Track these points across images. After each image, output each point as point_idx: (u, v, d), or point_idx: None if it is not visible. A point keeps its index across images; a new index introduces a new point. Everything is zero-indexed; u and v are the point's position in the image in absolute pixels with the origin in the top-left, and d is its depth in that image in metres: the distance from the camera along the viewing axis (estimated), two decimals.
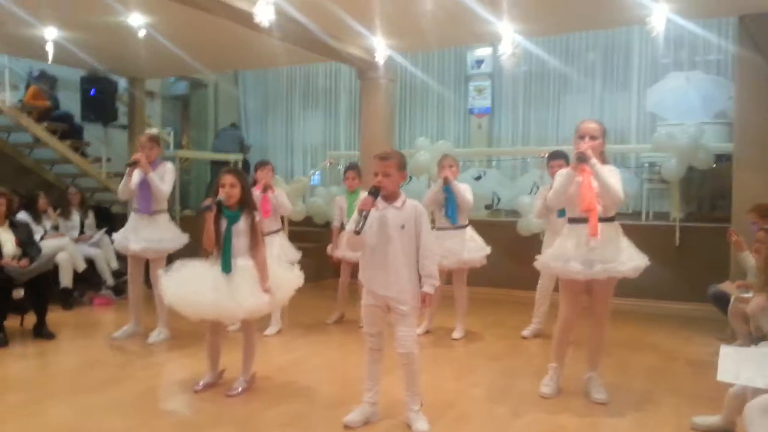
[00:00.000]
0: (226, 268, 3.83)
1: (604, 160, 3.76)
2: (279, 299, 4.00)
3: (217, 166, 10.14)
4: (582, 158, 3.59)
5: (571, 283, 3.79)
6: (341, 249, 5.96)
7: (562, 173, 3.76)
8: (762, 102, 5.93)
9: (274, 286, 3.89)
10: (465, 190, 5.32)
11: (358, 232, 3.18)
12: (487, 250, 5.48)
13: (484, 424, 3.55)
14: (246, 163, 9.93)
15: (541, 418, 3.62)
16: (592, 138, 3.70)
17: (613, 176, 3.64)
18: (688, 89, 7.76)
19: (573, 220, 3.76)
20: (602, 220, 3.64)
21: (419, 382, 3.42)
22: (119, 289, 7.11)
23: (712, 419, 3.35)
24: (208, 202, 3.89)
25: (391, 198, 3.30)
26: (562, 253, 3.76)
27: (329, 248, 6.11)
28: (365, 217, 3.19)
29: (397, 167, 3.27)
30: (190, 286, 3.84)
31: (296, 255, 5.64)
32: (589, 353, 3.98)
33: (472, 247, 5.39)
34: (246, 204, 3.95)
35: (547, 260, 3.91)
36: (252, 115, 12.11)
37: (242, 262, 3.87)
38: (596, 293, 3.82)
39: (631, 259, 3.69)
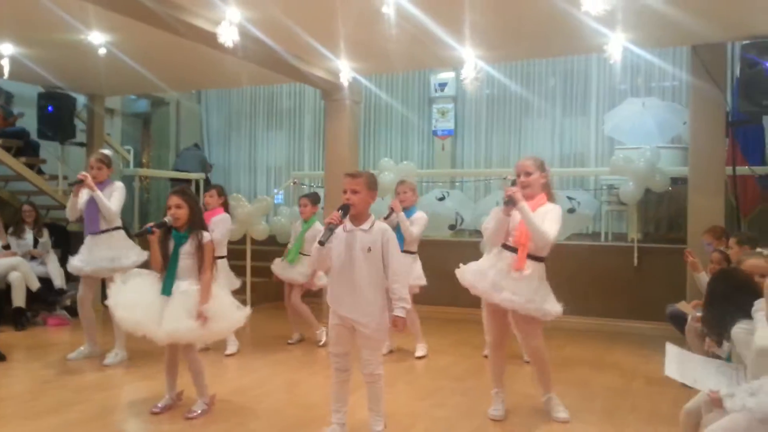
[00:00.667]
0: (166, 291, 3.78)
1: (548, 191, 3.82)
2: (214, 330, 3.86)
3: (178, 185, 10.03)
4: (509, 202, 3.64)
5: (490, 305, 3.83)
6: (276, 266, 5.99)
7: (493, 215, 3.83)
8: (715, 127, 6.13)
9: (216, 316, 3.79)
10: (413, 221, 5.32)
11: (322, 243, 3.17)
12: (421, 282, 5.44)
13: None
14: (208, 182, 9.81)
15: None
16: (527, 174, 3.77)
17: (549, 215, 3.67)
18: (644, 114, 7.98)
19: (505, 246, 3.79)
20: (531, 256, 3.68)
21: (383, 402, 3.39)
22: (74, 310, 6.93)
23: None
24: (149, 225, 3.87)
25: (359, 220, 3.29)
26: (481, 270, 3.79)
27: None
28: (331, 230, 3.18)
29: (366, 186, 3.26)
30: (128, 299, 3.81)
31: (236, 283, 5.50)
32: (537, 379, 4.02)
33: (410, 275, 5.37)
34: (195, 224, 3.89)
35: (464, 271, 3.88)
36: (215, 134, 12.00)
37: (186, 287, 3.80)
38: (516, 324, 3.81)
39: (544, 301, 3.70)
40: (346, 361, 3.37)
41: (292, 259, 5.88)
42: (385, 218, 5.38)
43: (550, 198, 3.83)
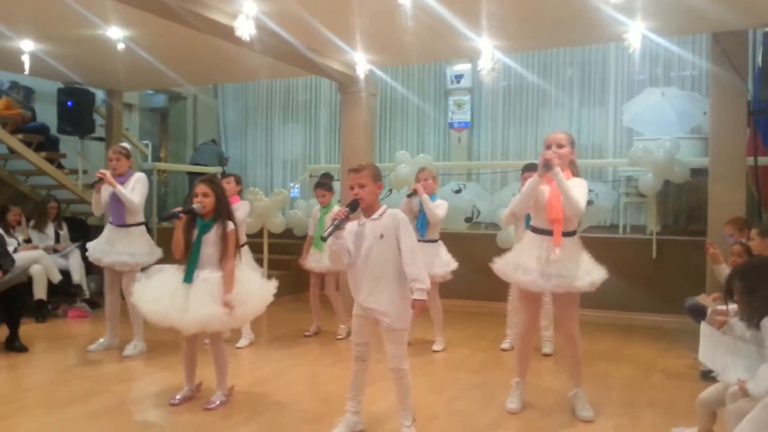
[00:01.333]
0: (188, 278, 3.80)
1: (574, 169, 3.78)
2: (242, 315, 3.91)
3: (195, 178, 10.11)
4: (546, 165, 3.58)
5: (528, 295, 3.81)
6: (309, 260, 5.99)
7: (530, 181, 3.76)
8: (735, 117, 6.04)
9: (240, 302, 3.82)
10: (437, 206, 5.32)
11: (324, 239, 3.18)
12: (452, 266, 5.47)
13: None
14: (224, 175, 9.88)
15: (522, 430, 3.62)
16: (559, 146, 3.71)
17: (578, 188, 3.63)
18: (663, 105, 7.88)
19: (535, 230, 3.75)
20: (564, 234, 3.64)
21: (411, 397, 3.37)
22: (94, 302, 7.02)
23: (690, 431, 3.37)
24: (177, 210, 3.90)
25: (369, 211, 3.29)
26: (520, 263, 3.73)
27: (302, 257, 6.10)
28: (336, 226, 3.16)
29: (371, 177, 3.25)
30: (153, 292, 3.84)
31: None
32: (568, 370, 3.97)
33: (436, 263, 5.38)
34: (220, 214, 3.92)
35: (503, 267, 3.83)
36: (231, 128, 12.06)
37: (207, 274, 3.83)
38: (559, 306, 3.81)
39: (588, 274, 3.68)
40: (366, 350, 3.38)
41: (320, 245, 5.83)
42: (408, 196, 5.37)
43: (576, 175, 3.79)
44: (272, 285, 4.05)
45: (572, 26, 5.70)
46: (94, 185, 5.12)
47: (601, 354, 5.38)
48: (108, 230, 5.22)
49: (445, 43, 6.10)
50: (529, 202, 3.73)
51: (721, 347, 2.90)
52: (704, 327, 2.98)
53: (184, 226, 3.88)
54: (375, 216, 3.27)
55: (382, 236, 3.23)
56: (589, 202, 6.99)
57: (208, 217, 3.90)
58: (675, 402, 4.10)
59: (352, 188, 3.26)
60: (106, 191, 5.10)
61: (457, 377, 4.74)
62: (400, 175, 7.79)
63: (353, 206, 3.22)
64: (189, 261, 3.84)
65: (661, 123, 7.74)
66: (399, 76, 10.23)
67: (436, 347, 5.52)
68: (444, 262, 5.46)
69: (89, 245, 5.30)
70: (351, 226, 3.28)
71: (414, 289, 3.18)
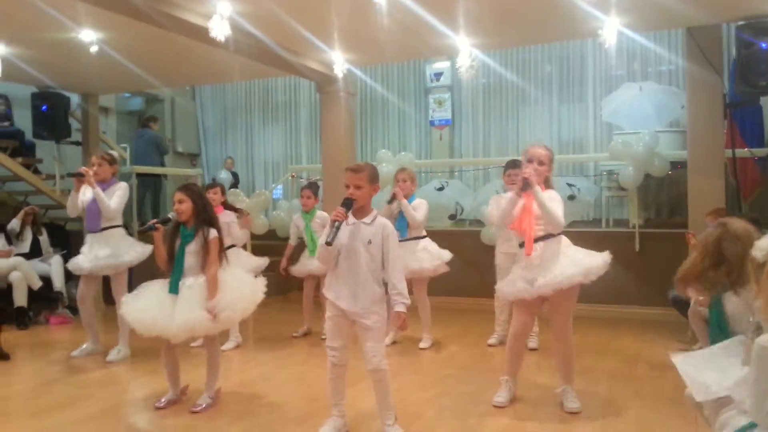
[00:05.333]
0: (173, 289, 3.78)
1: (549, 185, 3.84)
2: (228, 318, 3.87)
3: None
4: (526, 185, 3.65)
5: (525, 300, 3.84)
6: (296, 266, 5.99)
7: (494, 203, 3.84)
8: (713, 110, 6.12)
9: (224, 306, 3.78)
10: (415, 208, 5.33)
11: (329, 243, 3.14)
12: (444, 258, 5.48)
13: None
14: (210, 186, 9.73)
15: (510, 426, 3.62)
16: (540, 164, 3.77)
17: (553, 203, 3.69)
18: (642, 99, 7.96)
19: (520, 245, 3.81)
20: (545, 237, 3.73)
21: (391, 396, 3.37)
22: (76, 308, 6.92)
23: None
24: (152, 222, 3.91)
25: (361, 213, 3.27)
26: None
27: (282, 263, 6.06)
28: (337, 228, 3.14)
29: (368, 180, 3.25)
30: (140, 304, 3.82)
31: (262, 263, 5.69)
32: (559, 368, 3.97)
33: (424, 258, 5.38)
34: (202, 221, 3.88)
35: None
36: (211, 130, 11.98)
37: (192, 281, 3.80)
38: (551, 304, 3.85)
39: (573, 265, 3.69)
40: (343, 354, 3.33)
41: (313, 251, 5.81)
42: (388, 202, 5.37)
43: (550, 188, 3.85)
44: (262, 283, 4.03)
45: (548, 22, 5.74)
46: (75, 176, 5.04)
47: (587, 347, 5.41)
48: (88, 238, 5.17)
49: (422, 41, 6.11)
50: (509, 219, 3.79)
51: (702, 367, 2.90)
52: (675, 357, 2.98)
53: (168, 236, 3.86)
54: (367, 220, 3.26)
55: (370, 242, 3.23)
56: (571, 197, 7.13)
57: (189, 224, 3.87)
58: (660, 393, 4.14)
59: (347, 187, 3.24)
60: (85, 194, 5.04)
61: (445, 374, 4.74)
62: (383, 174, 7.74)
63: (348, 205, 3.20)
64: (173, 271, 3.81)
65: (639, 117, 7.82)
66: (378, 76, 10.23)
67: (423, 345, 5.51)
68: (434, 255, 5.43)
69: (71, 260, 5.23)
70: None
71: (396, 303, 3.20)
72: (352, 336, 3.35)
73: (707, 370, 2.77)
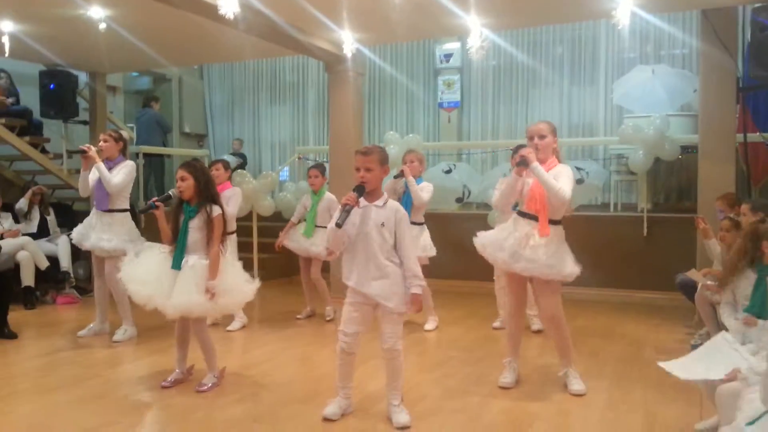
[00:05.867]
0: (176, 265, 3.79)
1: (557, 157, 3.79)
2: (223, 305, 3.88)
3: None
4: (522, 162, 3.62)
5: (509, 274, 3.83)
6: (289, 240, 5.92)
7: (508, 179, 3.79)
8: (725, 94, 6.03)
9: (225, 291, 3.80)
10: (422, 189, 5.28)
11: (339, 225, 3.14)
12: (429, 253, 5.39)
13: (457, 414, 3.53)
14: (212, 162, 9.72)
15: (514, 407, 3.62)
16: (540, 137, 3.72)
17: (562, 177, 3.64)
18: (654, 82, 7.85)
19: (521, 214, 3.77)
20: (549, 221, 3.67)
21: (402, 378, 3.38)
22: (83, 288, 6.96)
23: (711, 420, 3.31)
24: (153, 200, 3.92)
25: (373, 196, 3.27)
26: (498, 240, 3.77)
27: (278, 239, 6.00)
28: (348, 212, 3.14)
29: (378, 162, 3.25)
30: (140, 275, 3.84)
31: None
32: (556, 351, 3.98)
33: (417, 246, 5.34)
34: (204, 198, 3.87)
35: (483, 241, 3.86)
36: (218, 110, 11.94)
37: (195, 260, 3.80)
38: (536, 290, 3.83)
39: (562, 265, 3.67)
40: (355, 341, 3.32)
41: (309, 233, 5.82)
42: (395, 177, 5.32)
43: (558, 159, 3.80)
44: (254, 285, 4.01)
45: (561, 2, 5.65)
46: (77, 153, 5.04)
47: (594, 331, 5.40)
48: (92, 214, 5.15)
49: (433, 21, 6.03)
50: (509, 199, 3.78)
51: (691, 364, 2.92)
52: (662, 364, 2.99)
53: (172, 213, 3.86)
54: (378, 203, 3.27)
55: (383, 224, 3.23)
56: (580, 181, 7.07)
57: (192, 202, 3.87)
58: (664, 377, 4.09)
59: (358, 170, 3.24)
60: (94, 172, 5.02)
61: (450, 356, 4.74)
62: (390, 156, 7.71)
63: (360, 191, 3.21)
64: (177, 248, 3.82)
65: (651, 101, 7.71)
66: (387, 56, 10.14)
67: (428, 326, 5.52)
68: (422, 247, 5.35)
69: (74, 230, 5.24)
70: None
71: (413, 285, 3.23)
72: (372, 322, 3.34)
73: (695, 366, 2.83)
